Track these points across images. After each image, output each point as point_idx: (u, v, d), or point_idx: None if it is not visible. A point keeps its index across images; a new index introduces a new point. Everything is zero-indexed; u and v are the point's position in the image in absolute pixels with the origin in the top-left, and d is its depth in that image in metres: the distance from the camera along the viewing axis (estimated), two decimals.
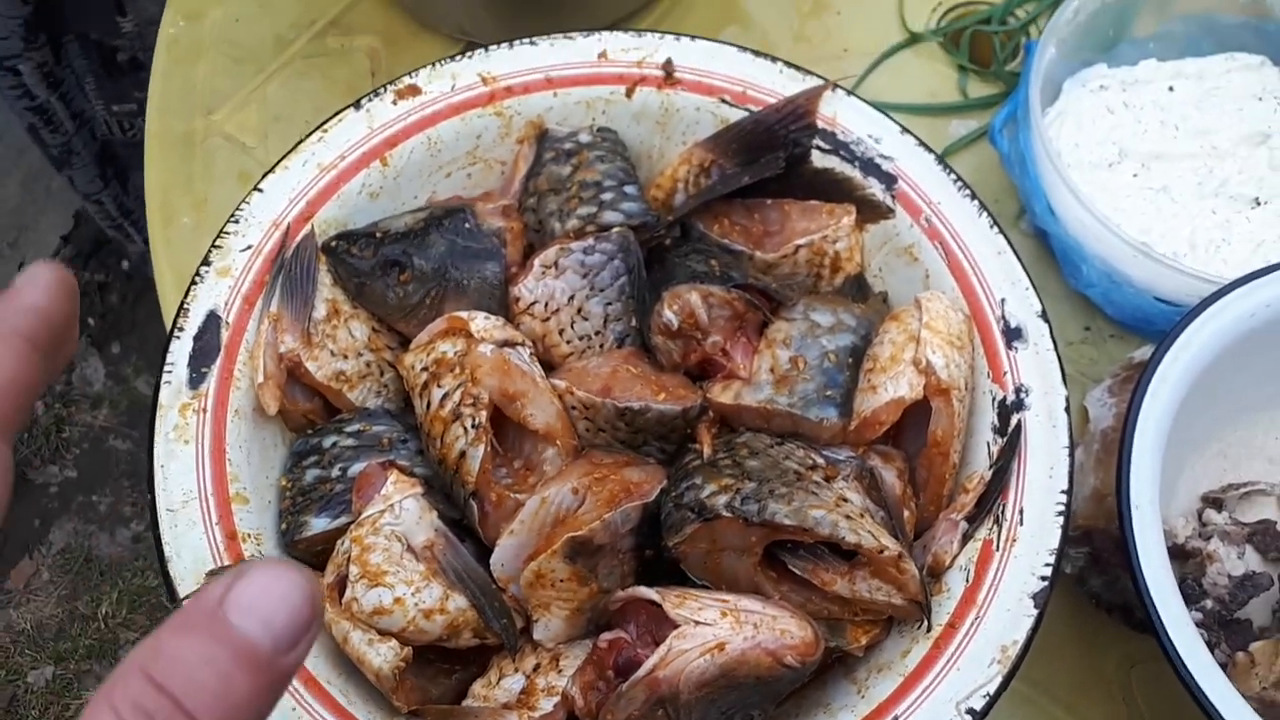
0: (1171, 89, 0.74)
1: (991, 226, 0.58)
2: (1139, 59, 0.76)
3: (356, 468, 0.57)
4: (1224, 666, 0.58)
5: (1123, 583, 0.62)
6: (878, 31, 0.81)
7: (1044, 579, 0.51)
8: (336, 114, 0.62)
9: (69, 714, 1.58)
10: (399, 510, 0.54)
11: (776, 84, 0.63)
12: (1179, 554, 0.62)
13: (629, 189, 0.63)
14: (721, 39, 0.81)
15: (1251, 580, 0.60)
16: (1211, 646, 0.59)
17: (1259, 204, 0.70)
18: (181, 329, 0.57)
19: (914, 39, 0.81)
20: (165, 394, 0.55)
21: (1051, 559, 0.51)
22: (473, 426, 0.54)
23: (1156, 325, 0.67)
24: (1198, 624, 0.59)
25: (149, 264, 0.74)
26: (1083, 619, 0.63)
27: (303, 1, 0.83)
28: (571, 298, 0.60)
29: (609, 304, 0.60)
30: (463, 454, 0.54)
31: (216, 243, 0.59)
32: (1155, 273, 0.64)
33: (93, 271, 1.86)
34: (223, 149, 0.78)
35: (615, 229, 0.61)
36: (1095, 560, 0.63)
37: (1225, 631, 0.60)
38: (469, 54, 0.64)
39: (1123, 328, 0.70)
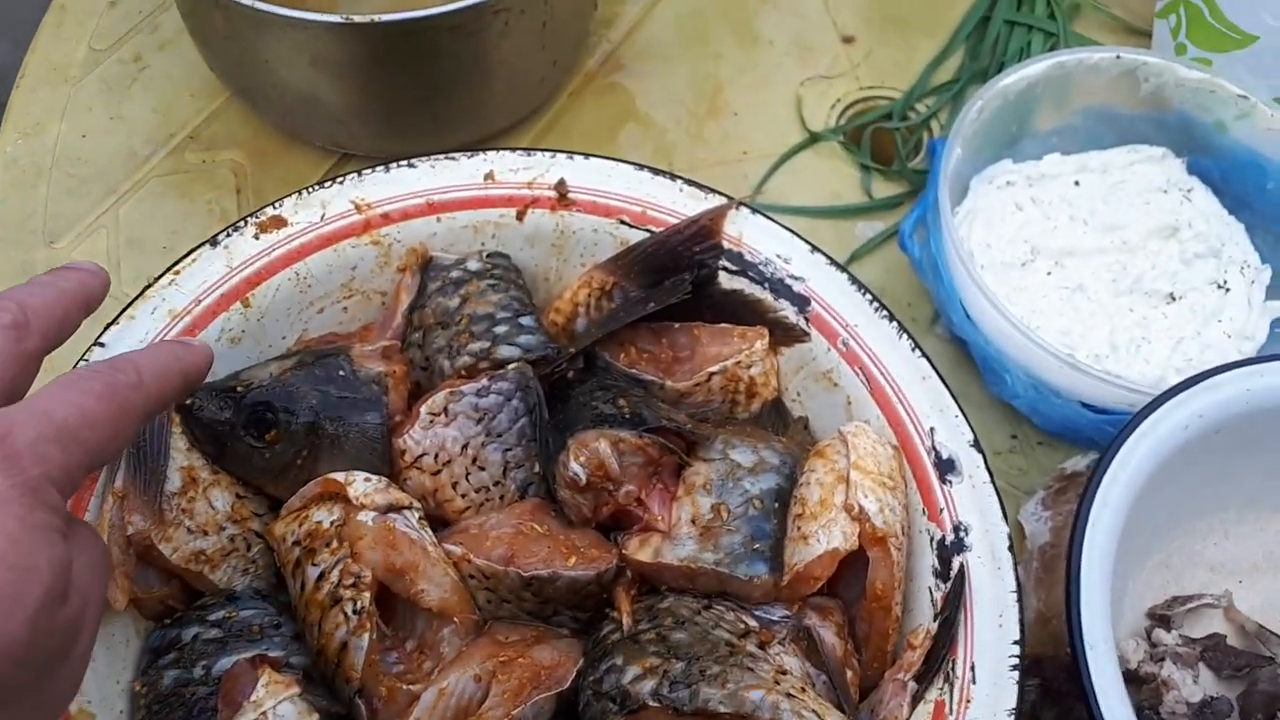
0: (1077, 183, 0.73)
1: (914, 350, 0.54)
2: (1043, 153, 0.74)
3: (223, 664, 0.49)
4: None
5: (1078, 714, 0.58)
6: (777, 132, 0.78)
7: None
8: (190, 253, 0.55)
9: None
10: (273, 718, 0.46)
11: (677, 203, 0.59)
12: (1133, 679, 0.59)
13: (525, 320, 0.57)
14: (619, 139, 0.78)
15: (1210, 708, 0.56)
16: None
17: (1174, 299, 0.69)
18: None
19: (814, 139, 0.78)
20: None
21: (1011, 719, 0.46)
22: (354, 612, 0.47)
23: (1085, 433, 0.64)
24: None
25: None
26: None
27: (158, 113, 0.76)
28: (465, 446, 0.54)
29: (508, 450, 0.55)
30: (344, 645, 0.47)
31: None
32: (1081, 381, 0.61)
33: None
34: None
35: (512, 365, 0.55)
36: (1046, 691, 0.59)
37: None
38: (339, 180, 0.58)
39: (1050, 436, 0.67)
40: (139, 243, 0.71)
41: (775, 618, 0.50)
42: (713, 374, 0.57)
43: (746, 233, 0.58)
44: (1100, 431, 0.62)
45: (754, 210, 0.59)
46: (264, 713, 0.46)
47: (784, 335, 0.58)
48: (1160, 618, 0.61)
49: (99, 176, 0.73)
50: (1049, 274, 0.70)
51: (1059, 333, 0.67)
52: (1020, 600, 0.49)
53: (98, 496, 0.50)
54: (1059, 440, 0.67)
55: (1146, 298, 0.69)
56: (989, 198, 0.72)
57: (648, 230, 0.59)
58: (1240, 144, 0.71)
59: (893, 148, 0.78)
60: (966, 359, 0.69)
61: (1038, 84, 0.71)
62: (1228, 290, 0.69)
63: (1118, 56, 0.71)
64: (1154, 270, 0.69)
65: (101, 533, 0.49)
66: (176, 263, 0.55)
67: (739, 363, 0.57)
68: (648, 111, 0.80)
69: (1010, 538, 0.50)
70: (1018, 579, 0.50)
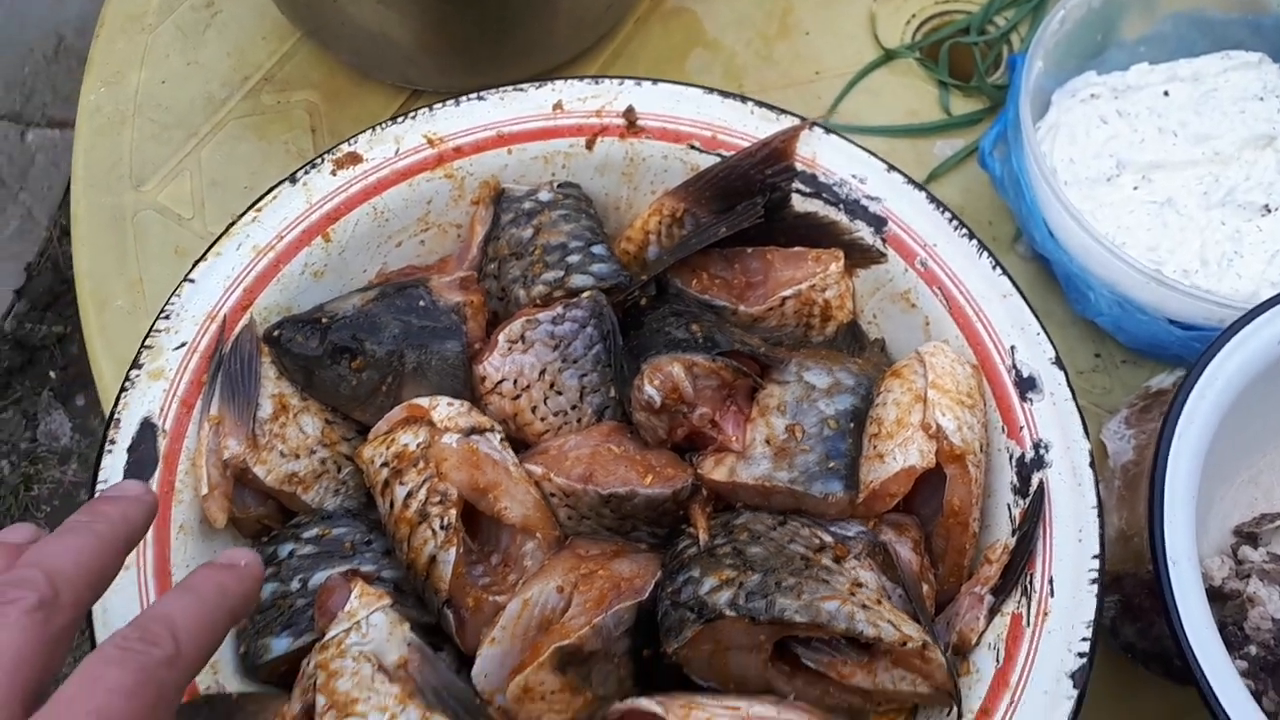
0: (1166, 93, 0.70)
1: (994, 268, 0.53)
2: (1129, 63, 0.71)
3: (317, 578, 0.51)
4: (1273, 716, 0.54)
5: (1158, 629, 0.58)
6: (850, 51, 0.76)
7: (1082, 655, 0.46)
8: (270, 190, 0.57)
9: None
10: (366, 627, 0.48)
11: (749, 125, 0.58)
12: (1216, 596, 0.58)
13: (597, 249, 0.58)
14: (687, 65, 0.77)
15: None
16: (1258, 695, 0.55)
17: (1269, 211, 0.66)
18: (113, 441, 0.51)
19: (889, 56, 0.76)
20: None
21: (1089, 633, 0.46)
22: (442, 528, 0.49)
23: (1171, 350, 0.62)
24: (1243, 673, 0.54)
25: None
26: (1121, 673, 0.58)
27: (233, 57, 0.78)
28: (542, 372, 0.55)
29: (584, 375, 0.56)
30: (433, 559, 0.49)
31: (147, 342, 0.53)
32: (1168, 297, 0.60)
33: (49, 324, 1.80)
34: (156, 223, 0.72)
35: (585, 294, 0.56)
36: (1127, 608, 0.59)
37: (1273, 678, 0.55)
38: (412, 115, 0.59)
39: (1135, 354, 0.66)
40: (221, 183, 0.73)
41: (851, 533, 0.50)
42: (786, 298, 0.57)
43: (820, 153, 0.58)
44: (1187, 348, 0.61)
45: (828, 130, 0.58)
46: (357, 622, 0.48)
47: (860, 257, 0.58)
48: (1247, 535, 0.60)
49: (180, 121, 0.75)
50: (1135, 189, 0.67)
51: (1146, 248, 0.65)
52: (1101, 516, 0.49)
53: (194, 424, 0.53)
54: (1144, 358, 0.65)
55: (1240, 210, 0.66)
56: (1072, 112, 0.70)
57: (719, 155, 0.59)
58: None
59: (971, 63, 0.75)
60: (1049, 277, 0.67)
61: None
62: None
63: None
64: (1248, 181, 0.67)
65: (200, 457, 0.52)
66: (258, 200, 0.57)
67: (813, 286, 0.57)
68: (716, 35, 0.79)
69: (1092, 454, 0.50)
70: (1098, 495, 0.49)
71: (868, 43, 0.77)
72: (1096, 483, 0.49)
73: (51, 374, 1.80)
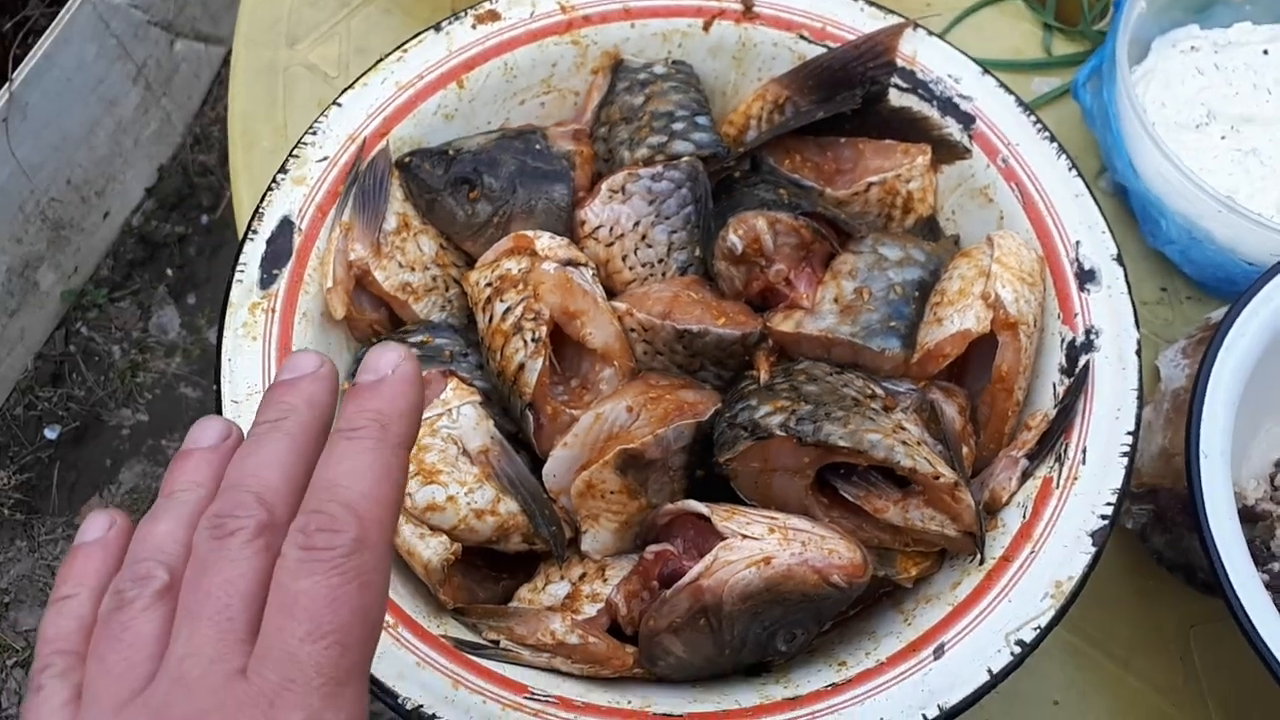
0: (1266, 53, 0.72)
1: (1070, 169, 0.57)
2: (1233, 21, 0.73)
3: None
4: None
5: (1186, 542, 0.61)
6: None
7: (1104, 518, 0.50)
8: (417, 35, 0.63)
9: None
10: (456, 415, 0.54)
11: (857, 21, 0.62)
12: (1249, 516, 0.61)
13: (701, 119, 0.62)
14: None
15: None
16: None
17: None
18: (255, 232, 0.58)
19: None
20: (236, 292, 0.57)
21: (1113, 498, 0.50)
22: (533, 340, 0.55)
23: (1237, 286, 0.64)
24: (1266, 585, 0.57)
25: (227, 220, 0.75)
26: (1143, 576, 0.61)
27: None
28: (637, 224, 0.60)
29: (674, 232, 0.61)
30: (521, 366, 0.55)
31: (294, 152, 0.60)
32: (1239, 229, 0.62)
33: (173, 224, 1.91)
34: (304, 78, 0.79)
35: (684, 158, 0.61)
36: (1159, 518, 0.62)
37: None
38: None
39: (1201, 289, 0.68)
40: (365, 50, 0.80)
41: (901, 389, 0.54)
42: (871, 184, 0.61)
43: (920, 52, 0.62)
44: (1250, 281, 0.63)
45: (930, 32, 0.62)
46: (450, 409, 0.54)
47: (946, 153, 0.61)
48: None
49: None
50: (1223, 138, 0.70)
51: (1225, 191, 0.67)
52: (1140, 398, 0.52)
53: (327, 227, 0.59)
54: (1207, 295, 0.68)
55: None
56: (1170, 60, 0.72)
57: (825, 46, 0.63)
58: None
59: (1078, 10, 0.78)
60: (1126, 213, 0.70)
61: None
62: None
63: None
64: None
65: (329, 255, 0.58)
66: (405, 43, 0.63)
67: (899, 176, 0.61)
68: None
69: (1139, 343, 0.53)
70: (1140, 379, 0.52)
71: None
72: (1140, 369, 0.52)
73: (169, 271, 1.91)
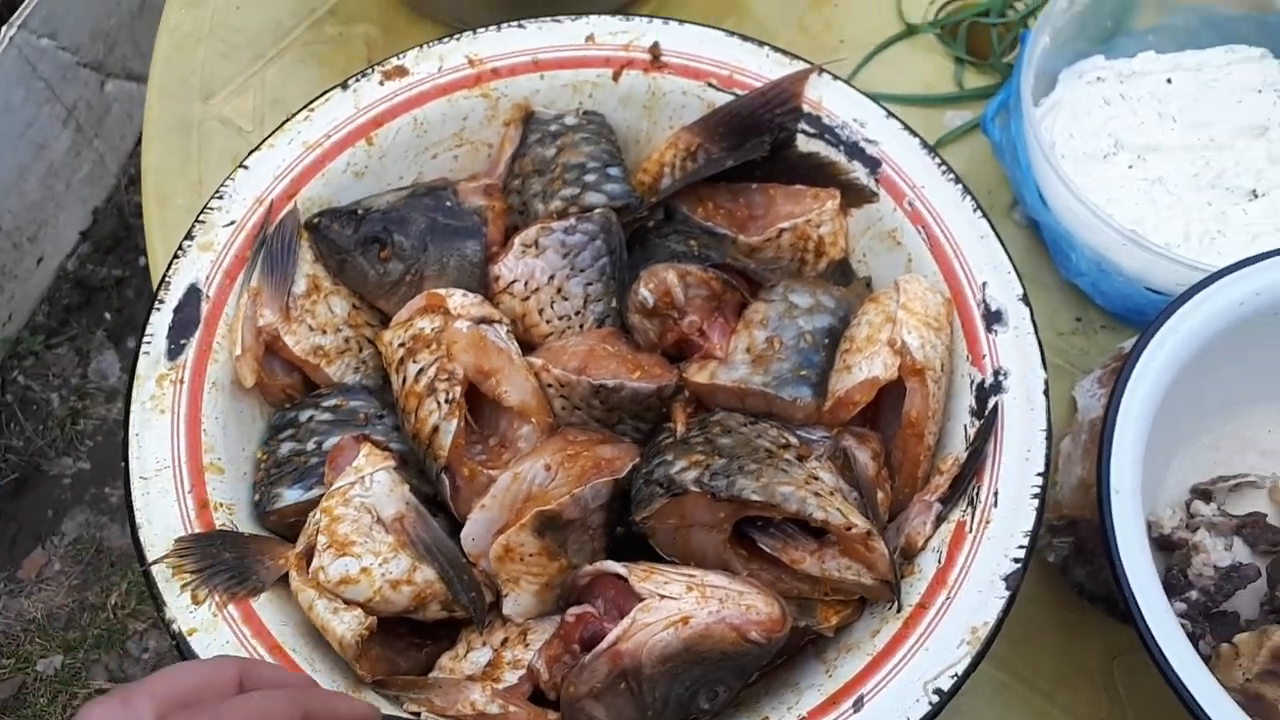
0: (1170, 81, 0.73)
1: (975, 210, 0.58)
2: (1137, 51, 0.75)
3: (332, 441, 0.57)
4: (1208, 659, 0.57)
5: (1106, 573, 0.61)
6: (875, 23, 0.81)
7: (1016, 560, 0.50)
8: (324, 93, 0.63)
9: (75, 702, 1.59)
10: (370, 482, 0.54)
11: (764, 68, 0.63)
12: (1165, 545, 0.61)
13: (613, 171, 0.63)
14: (739, 24, 0.82)
15: (1238, 572, 0.59)
16: (1196, 639, 0.58)
17: (1256, 196, 0.69)
18: (162, 301, 0.57)
19: (911, 31, 0.80)
20: (143, 364, 0.56)
21: (1025, 541, 0.50)
22: (446, 401, 0.54)
23: (1147, 315, 0.66)
24: (1182, 615, 0.58)
25: None
26: (1066, 609, 0.62)
27: None
28: (552, 277, 0.60)
29: (589, 284, 0.60)
30: (436, 428, 0.54)
31: (200, 218, 0.59)
32: (1146, 261, 0.63)
33: (109, 267, 1.88)
34: (218, 133, 0.79)
35: (598, 210, 0.61)
36: (1079, 550, 0.62)
37: (1211, 624, 0.59)
38: (456, 37, 0.64)
39: (1113, 318, 0.69)
40: (281, 102, 0.79)
41: (815, 437, 0.54)
42: (783, 230, 0.62)
43: (826, 97, 0.62)
44: (1159, 312, 0.64)
45: (835, 76, 0.63)
46: (363, 477, 0.54)
47: (854, 196, 0.62)
48: (1202, 492, 0.63)
49: (249, 43, 0.82)
50: (1130, 167, 0.71)
51: (1132, 221, 0.68)
52: (1049, 439, 0.53)
53: (235, 293, 0.58)
54: (1121, 324, 0.69)
55: (1228, 193, 0.70)
56: (1077, 91, 0.74)
57: (733, 94, 0.63)
58: None
59: (988, 43, 0.79)
60: (1039, 244, 0.71)
61: None
62: None
63: None
64: (1238, 167, 0.70)
65: (238, 322, 0.58)
66: (311, 102, 0.63)
67: (809, 221, 0.62)
68: (749, 4, 0.83)
69: (1047, 384, 0.54)
70: (1049, 420, 0.53)
71: (892, 17, 0.81)
72: (1048, 409, 0.53)
73: (107, 315, 1.88)
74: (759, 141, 0.62)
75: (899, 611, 0.51)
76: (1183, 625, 0.58)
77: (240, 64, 0.81)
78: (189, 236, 0.59)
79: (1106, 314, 0.69)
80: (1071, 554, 0.62)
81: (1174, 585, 0.59)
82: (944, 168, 0.59)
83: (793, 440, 0.54)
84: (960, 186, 0.58)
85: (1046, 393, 0.53)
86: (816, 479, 0.52)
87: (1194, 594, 0.59)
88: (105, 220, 1.87)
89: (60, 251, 1.85)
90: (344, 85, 0.63)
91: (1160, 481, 0.64)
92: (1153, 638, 0.50)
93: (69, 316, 1.88)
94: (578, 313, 0.61)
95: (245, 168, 0.61)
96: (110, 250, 1.90)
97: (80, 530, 1.74)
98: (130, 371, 0.56)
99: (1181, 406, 0.59)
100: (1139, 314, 0.66)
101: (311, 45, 0.82)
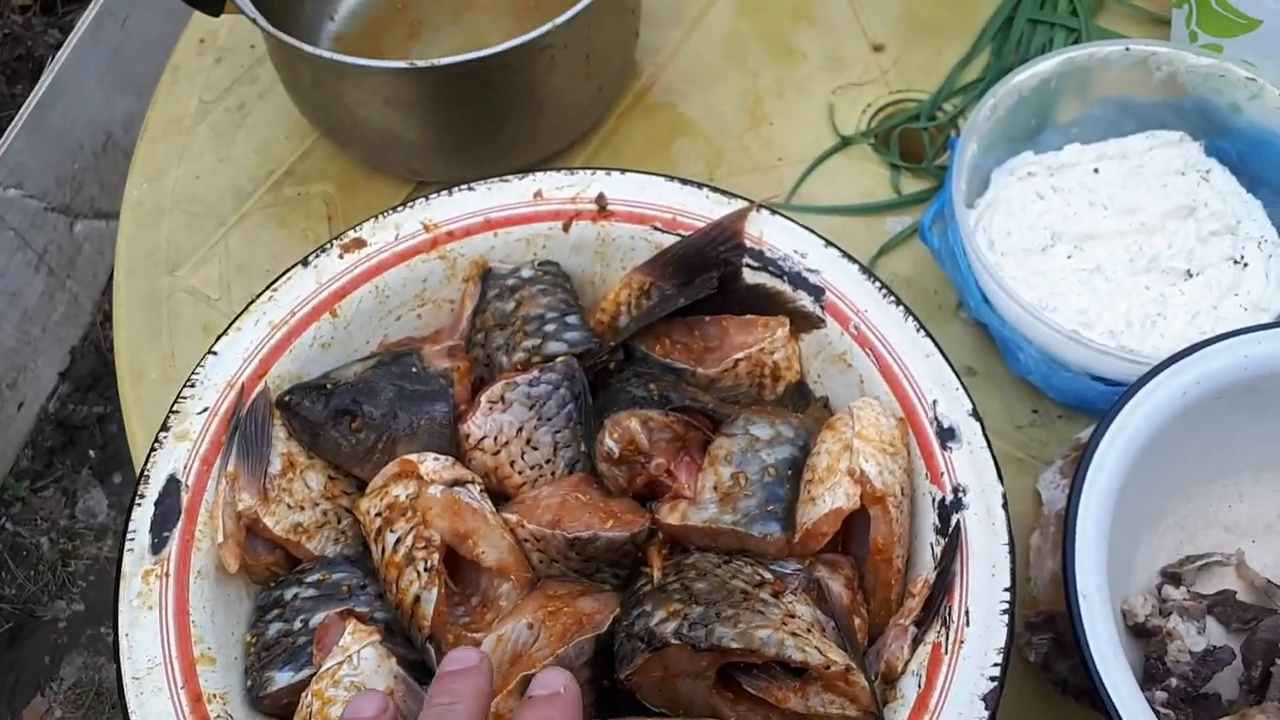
0: (1097, 170, 0.77)
1: (918, 330, 0.60)
2: (1063, 144, 0.78)
3: (317, 618, 0.58)
4: None
5: None
6: (810, 138, 0.84)
7: (993, 679, 0.51)
8: (285, 273, 0.65)
9: None
10: (357, 660, 0.55)
11: (704, 208, 0.66)
12: (1142, 633, 0.63)
13: (571, 319, 0.65)
14: (668, 154, 0.85)
15: (1213, 656, 0.60)
16: None
17: (1190, 276, 0.72)
18: (143, 495, 0.59)
19: (845, 142, 0.83)
20: (128, 561, 0.57)
21: (999, 658, 0.52)
22: (426, 570, 0.55)
23: (1096, 405, 0.68)
24: (1164, 704, 0.59)
25: None
26: (1051, 706, 0.63)
27: (259, 154, 0.87)
28: (520, 429, 0.62)
29: (557, 432, 0.62)
30: (417, 598, 0.55)
31: (174, 407, 0.61)
32: (1089, 356, 0.66)
33: (90, 405, 1.89)
34: (187, 304, 0.81)
35: (559, 358, 0.63)
36: (1059, 645, 0.63)
37: (1193, 709, 0.60)
38: (410, 204, 0.67)
39: (1068, 408, 0.71)
40: (246, 268, 0.82)
41: (788, 570, 0.56)
42: (739, 360, 0.64)
43: (766, 232, 0.65)
44: (1110, 401, 0.66)
45: (773, 212, 0.65)
46: (349, 656, 0.55)
47: (803, 322, 0.64)
48: (1171, 575, 0.65)
49: (210, 212, 0.84)
50: (1069, 257, 0.74)
51: (1076, 312, 0.71)
52: (1012, 553, 0.54)
53: (214, 479, 0.60)
54: (1076, 413, 0.71)
55: (1164, 275, 0.72)
56: (1010, 189, 0.77)
57: (679, 234, 0.66)
58: (1254, 124, 0.74)
59: (921, 147, 0.83)
60: (990, 341, 0.73)
61: (1051, 79, 0.76)
62: (1245, 265, 0.72)
63: (1127, 49, 0.75)
64: (1171, 249, 0.73)
65: (217, 509, 0.59)
66: (274, 281, 0.65)
67: (763, 349, 0.64)
68: (693, 127, 0.87)
69: (1004, 497, 0.55)
70: (1010, 534, 0.55)
71: (826, 130, 0.84)
72: (1008, 522, 0.55)
73: (91, 453, 1.89)
74: (707, 277, 0.65)
75: None
76: (1166, 715, 0.59)
77: (203, 233, 0.84)
78: (164, 428, 0.60)
79: (1059, 404, 0.72)
80: (1052, 650, 0.64)
81: (1155, 673, 0.61)
82: (884, 291, 0.61)
83: (767, 576, 0.56)
84: (902, 309, 0.61)
85: (1005, 506, 0.55)
86: (793, 616, 0.53)
87: (1174, 681, 0.60)
88: (83, 359, 1.89)
89: (40, 394, 1.86)
90: (305, 263, 0.65)
91: (1130, 567, 0.65)
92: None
93: (53, 458, 1.88)
94: (548, 461, 0.62)
95: (214, 354, 0.63)
96: (90, 388, 1.91)
97: (79, 674, 1.73)
98: (116, 569, 0.57)
99: (1142, 492, 0.61)
100: (1090, 404, 0.69)
101: (271, 208, 0.84)
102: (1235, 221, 0.73)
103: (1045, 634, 0.64)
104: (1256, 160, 0.75)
